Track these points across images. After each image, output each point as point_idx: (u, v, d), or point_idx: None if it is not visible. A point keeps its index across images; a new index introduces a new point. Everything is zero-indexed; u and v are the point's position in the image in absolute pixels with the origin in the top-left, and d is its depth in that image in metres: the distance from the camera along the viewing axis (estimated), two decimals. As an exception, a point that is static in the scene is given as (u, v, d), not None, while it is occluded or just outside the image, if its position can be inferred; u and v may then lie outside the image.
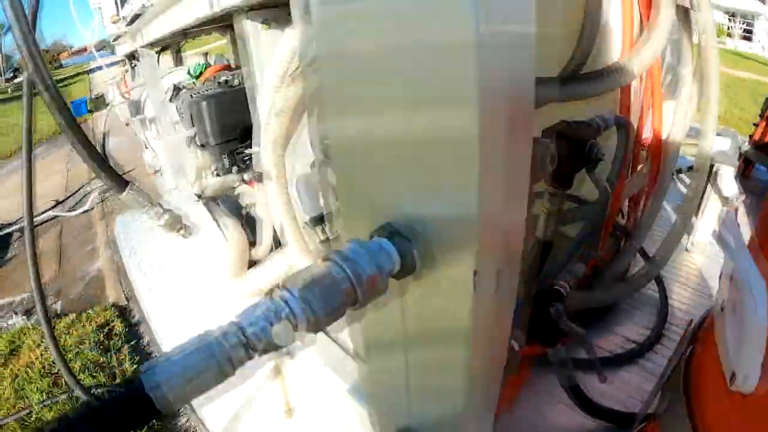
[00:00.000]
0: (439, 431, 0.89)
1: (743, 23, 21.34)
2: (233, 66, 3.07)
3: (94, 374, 3.43)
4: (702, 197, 1.66)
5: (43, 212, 6.86)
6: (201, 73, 2.99)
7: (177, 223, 1.93)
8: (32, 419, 3.07)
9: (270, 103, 1.39)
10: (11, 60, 33.55)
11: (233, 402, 1.89)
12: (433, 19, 0.51)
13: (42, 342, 3.84)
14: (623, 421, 1.31)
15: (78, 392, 2.78)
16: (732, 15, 21.24)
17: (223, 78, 2.47)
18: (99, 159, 1.73)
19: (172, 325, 2.01)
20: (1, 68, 30.24)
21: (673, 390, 1.04)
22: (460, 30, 0.49)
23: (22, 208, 1.90)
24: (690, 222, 1.65)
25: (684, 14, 1.41)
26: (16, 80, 30.37)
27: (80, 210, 6.74)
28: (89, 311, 4.24)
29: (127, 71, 4.35)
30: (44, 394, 3.27)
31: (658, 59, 1.34)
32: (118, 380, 3.35)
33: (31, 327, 4.11)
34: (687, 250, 1.83)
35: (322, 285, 0.59)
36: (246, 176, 2.17)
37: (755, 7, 20.58)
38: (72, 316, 4.18)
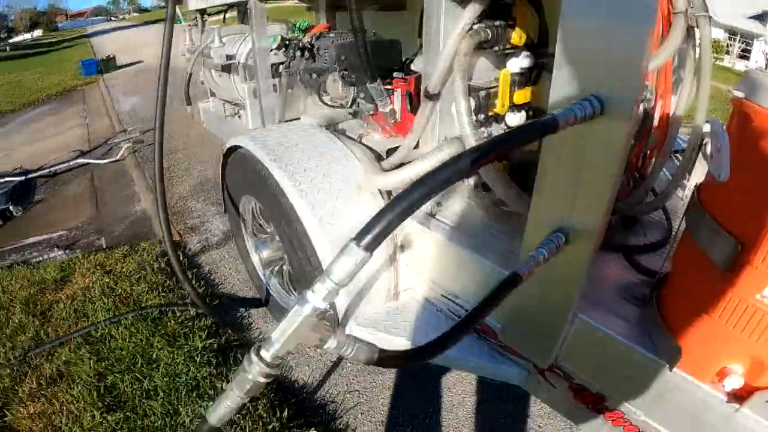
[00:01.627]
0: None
1: (742, 42, 23.06)
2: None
3: (163, 294, 3.54)
4: (694, 160, 2.09)
5: (70, 160, 6.99)
6: (306, 29, 3.24)
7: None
8: (98, 334, 3.18)
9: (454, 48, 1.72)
10: (6, 20, 33.66)
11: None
12: None
13: (96, 269, 3.96)
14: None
15: (195, 299, 2.99)
16: (733, 33, 23.11)
17: (332, 34, 2.80)
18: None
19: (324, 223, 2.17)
20: None
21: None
22: None
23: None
24: (686, 173, 2.12)
25: (688, 30, 1.85)
26: (10, 40, 30.49)
27: (111, 159, 6.87)
28: (142, 243, 4.35)
29: (191, 26, 4.53)
30: (110, 312, 3.38)
31: (669, 61, 1.84)
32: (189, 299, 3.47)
33: (80, 256, 4.21)
34: (682, 200, 2.28)
35: None
36: (380, 106, 2.39)
37: (756, 28, 22.22)
38: (125, 248, 4.29)
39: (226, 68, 3.85)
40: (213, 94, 4.57)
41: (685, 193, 2.25)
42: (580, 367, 1.66)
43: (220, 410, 1.20)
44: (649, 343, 1.43)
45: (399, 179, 2.12)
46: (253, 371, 1.07)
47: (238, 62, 3.60)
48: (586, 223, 1.31)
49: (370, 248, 0.91)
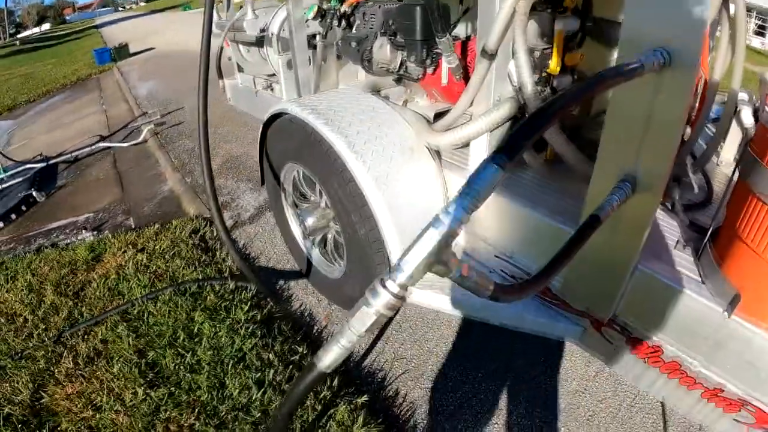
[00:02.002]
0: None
1: (759, 19, 22.92)
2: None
3: (200, 269, 3.45)
4: (729, 124, 2.14)
5: (91, 145, 6.95)
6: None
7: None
8: (135, 311, 3.11)
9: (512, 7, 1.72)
10: (13, 15, 34.11)
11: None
12: None
13: (128, 248, 3.89)
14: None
15: (241, 267, 2.95)
16: (749, 10, 22.54)
17: (371, 2, 2.77)
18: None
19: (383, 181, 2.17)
20: (5, 24, 30.63)
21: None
22: None
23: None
24: (721, 138, 2.20)
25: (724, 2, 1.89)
26: (19, 35, 30.97)
27: (133, 141, 6.81)
28: (173, 221, 4.28)
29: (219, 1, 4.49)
30: (146, 288, 3.31)
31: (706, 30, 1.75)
32: (227, 273, 3.38)
33: (110, 237, 4.15)
34: (717, 165, 2.31)
35: None
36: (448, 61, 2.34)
37: (773, 5, 21.68)
38: (156, 226, 4.21)
39: (258, 42, 3.83)
40: (241, 70, 4.50)
41: (719, 159, 2.32)
42: (639, 319, 1.70)
43: (332, 352, 1.07)
44: (707, 292, 1.49)
45: (457, 137, 2.08)
46: (378, 303, 0.96)
47: (272, 34, 3.54)
48: (653, 172, 1.37)
49: (507, 163, 0.91)
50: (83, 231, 4.61)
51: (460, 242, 2.36)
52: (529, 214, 1.94)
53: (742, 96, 2.16)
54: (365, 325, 1.00)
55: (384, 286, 0.95)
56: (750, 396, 1.51)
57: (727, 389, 1.56)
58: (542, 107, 0.96)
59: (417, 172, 2.25)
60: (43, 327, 3.16)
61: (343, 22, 3.01)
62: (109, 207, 5.09)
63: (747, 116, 2.13)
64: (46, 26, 39.13)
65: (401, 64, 2.58)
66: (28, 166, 6.39)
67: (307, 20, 3.16)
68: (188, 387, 2.52)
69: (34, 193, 5.63)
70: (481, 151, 2.15)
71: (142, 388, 2.53)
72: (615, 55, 1.88)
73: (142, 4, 56.94)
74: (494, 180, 0.89)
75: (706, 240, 1.61)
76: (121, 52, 15.13)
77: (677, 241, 1.74)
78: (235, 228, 4.22)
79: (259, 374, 2.51)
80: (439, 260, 0.91)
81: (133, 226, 4.52)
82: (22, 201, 5.54)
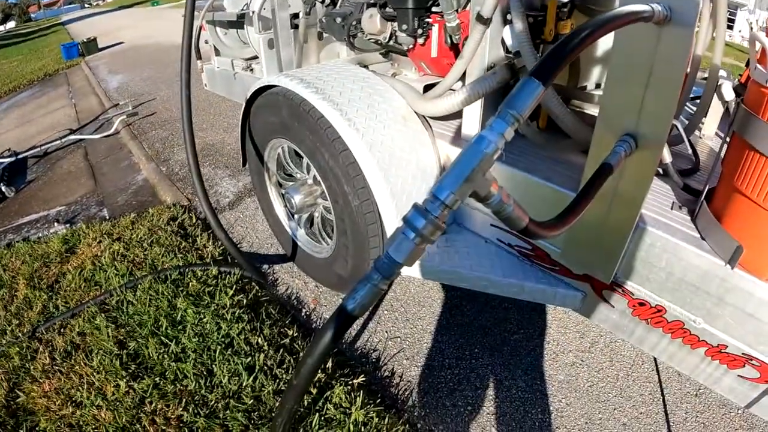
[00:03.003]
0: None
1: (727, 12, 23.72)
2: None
3: (180, 256, 3.31)
4: (711, 97, 2.17)
5: (61, 138, 6.69)
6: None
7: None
8: (114, 302, 2.96)
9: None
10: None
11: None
12: None
13: (103, 238, 3.72)
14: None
15: (231, 251, 2.94)
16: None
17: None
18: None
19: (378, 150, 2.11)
20: None
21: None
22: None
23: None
24: (704, 111, 2.22)
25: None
26: (6, 25, 30.42)
27: (105, 133, 6.57)
28: (150, 209, 4.11)
29: None
30: (124, 278, 3.15)
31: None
32: (209, 259, 3.24)
33: (84, 228, 3.97)
34: (700, 137, 2.37)
35: None
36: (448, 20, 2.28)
37: (739, -2, 22.72)
38: (132, 215, 4.04)
39: (237, 22, 3.73)
40: (218, 54, 4.34)
41: (702, 133, 2.37)
42: (641, 279, 1.68)
43: (364, 294, 1.00)
44: (708, 247, 1.50)
45: (452, 103, 2.03)
46: (420, 226, 0.88)
47: (253, 12, 3.41)
48: (655, 128, 1.37)
49: (548, 80, 0.90)
50: (55, 224, 4.42)
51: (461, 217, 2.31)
52: (526, 179, 1.90)
53: (722, 72, 2.20)
54: (403, 255, 0.91)
55: (425, 210, 0.88)
56: (754, 350, 1.51)
57: (731, 345, 1.55)
58: (574, 31, 0.97)
59: (411, 140, 2.18)
60: (17, 323, 3.01)
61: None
62: (81, 199, 4.89)
63: (728, 91, 2.17)
64: (11, 24, 38.18)
65: (391, 35, 2.55)
66: (-5, 162, 6.13)
67: (288, -2, 3.08)
68: (174, 377, 2.41)
69: (2, 188, 5.38)
70: (474, 118, 2.10)
71: (125, 380, 2.41)
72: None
73: (109, 0, 55.68)
74: (536, 95, 0.88)
75: (701, 198, 1.62)
76: (90, 46, 14.66)
77: (672, 203, 1.74)
78: (225, 214, 4.08)
79: (249, 359, 2.40)
80: (481, 181, 0.85)
81: (107, 217, 4.32)
82: None
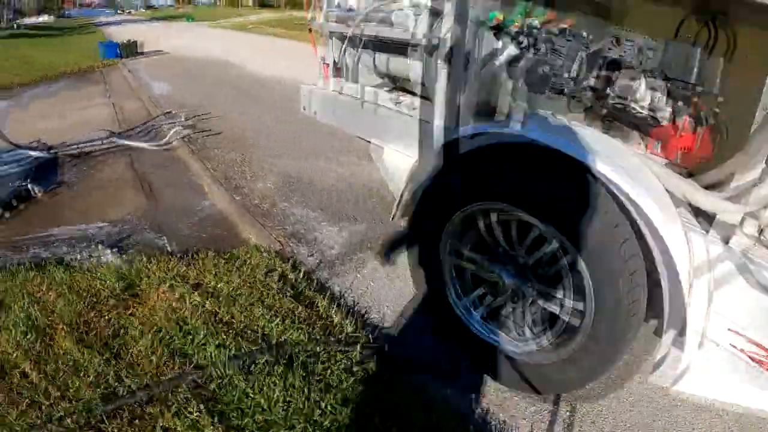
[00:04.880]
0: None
1: None
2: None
3: (300, 326, 2.40)
4: None
5: (102, 139, 5.86)
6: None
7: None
8: (215, 385, 2.04)
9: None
10: (13, 1, 34.46)
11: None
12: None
13: (175, 281, 2.82)
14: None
15: None
16: None
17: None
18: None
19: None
20: (5, 7, 30.32)
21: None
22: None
23: None
24: None
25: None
26: (19, 21, 31.24)
27: (158, 143, 5.73)
28: (233, 252, 3.21)
29: None
30: (221, 349, 2.23)
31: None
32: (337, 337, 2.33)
33: (146, 260, 3.07)
34: None
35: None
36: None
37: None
38: (210, 254, 3.15)
39: (402, 44, 3.00)
40: (338, 75, 3.56)
41: None
42: None
43: None
44: None
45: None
46: None
47: (436, 40, 2.70)
48: None
49: None
50: (100, 246, 3.51)
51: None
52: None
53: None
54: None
55: None
56: None
57: None
58: None
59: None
60: (57, 395, 2.07)
61: (536, 43, 2.45)
62: (130, 218, 4.02)
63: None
64: (45, 17, 38.75)
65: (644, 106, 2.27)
66: (26, 152, 5.27)
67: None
68: None
69: (30, 186, 4.51)
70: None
71: None
72: None
73: (143, 10, 57.33)
74: None
75: None
76: (129, 48, 14.12)
77: None
78: (321, 271, 3.20)
79: None
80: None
81: (169, 249, 3.43)
82: (15, 194, 4.43)
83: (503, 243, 2.17)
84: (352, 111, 3.46)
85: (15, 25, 27.53)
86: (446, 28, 2.68)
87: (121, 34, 23.89)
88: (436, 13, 2.80)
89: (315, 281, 3.03)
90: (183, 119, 6.53)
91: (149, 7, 65.31)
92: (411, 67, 2.96)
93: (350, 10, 3.46)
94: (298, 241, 3.54)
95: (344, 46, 3.45)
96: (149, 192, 4.52)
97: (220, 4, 70.78)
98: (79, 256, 3.41)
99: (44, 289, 2.85)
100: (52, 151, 5.42)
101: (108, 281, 2.87)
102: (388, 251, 3.38)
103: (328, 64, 3.66)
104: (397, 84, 3.39)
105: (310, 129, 5.77)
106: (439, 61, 2.78)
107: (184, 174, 4.95)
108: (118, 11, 56.32)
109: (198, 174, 4.89)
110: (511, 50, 2.49)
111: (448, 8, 2.62)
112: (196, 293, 2.68)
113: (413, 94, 3.09)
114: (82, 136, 6.16)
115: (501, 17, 2.47)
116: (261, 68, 11.21)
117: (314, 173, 4.79)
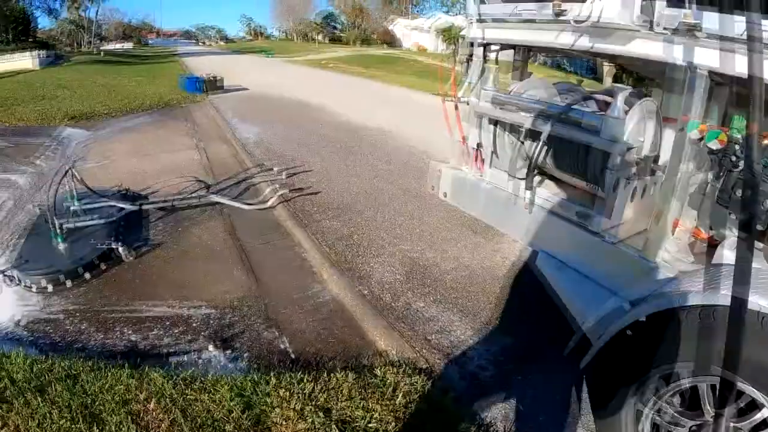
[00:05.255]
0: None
1: None
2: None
3: None
4: None
5: (195, 194, 5.67)
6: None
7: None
8: None
9: None
10: (100, 27, 37.81)
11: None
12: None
13: (312, 413, 2.37)
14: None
15: None
16: None
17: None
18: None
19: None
20: (92, 33, 33.58)
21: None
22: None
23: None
24: None
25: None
26: (103, 47, 33.79)
27: (258, 205, 5.45)
28: (375, 372, 2.75)
29: (464, 62, 3.44)
30: None
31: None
32: None
33: (274, 380, 2.65)
34: None
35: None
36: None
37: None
38: (347, 375, 2.69)
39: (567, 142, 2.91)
40: (475, 161, 3.52)
41: None
42: None
43: None
44: None
45: None
46: None
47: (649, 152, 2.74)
48: None
49: None
50: (210, 347, 3.15)
51: None
52: None
53: None
54: None
55: None
56: None
57: None
58: None
59: None
60: None
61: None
62: (238, 304, 3.64)
63: None
64: (128, 45, 42.08)
65: None
66: (109, 202, 5.10)
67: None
68: None
69: (119, 249, 4.25)
70: None
71: None
72: None
73: (221, 43, 61.29)
74: None
75: None
76: (212, 84, 14.50)
77: None
78: (481, 401, 2.70)
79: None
80: None
81: (291, 354, 3.02)
82: (100, 254, 4.23)
83: (709, 406, 1.95)
84: (503, 206, 3.36)
85: (97, 50, 29.78)
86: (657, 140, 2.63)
87: (200, 65, 25.11)
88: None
89: (470, 412, 2.60)
90: (283, 176, 6.28)
91: (225, 39, 69.63)
92: (599, 181, 2.80)
93: (511, 93, 3.20)
94: (443, 356, 3.06)
95: (496, 130, 3.19)
96: (251, 268, 4.18)
97: (294, 38, 74.02)
98: (184, 358, 3.05)
99: (143, 400, 2.48)
100: (138, 203, 5.21)
101: (224, 401, 2.46)
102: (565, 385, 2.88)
103: (475, 149, 3.50)
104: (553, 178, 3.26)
105: (433, 205, 5.42)
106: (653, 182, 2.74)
107: (288, 245, 4.63)
108: (200, 43, 60.62)
109: (304, 247, 4.55)
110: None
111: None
112: (333, 425, 2.22)
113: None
114: (169, 182, 6.06)
115: (724, 138, 2.26)
116: (354, 114, 11.17)
117: (445, 262, 4.32)
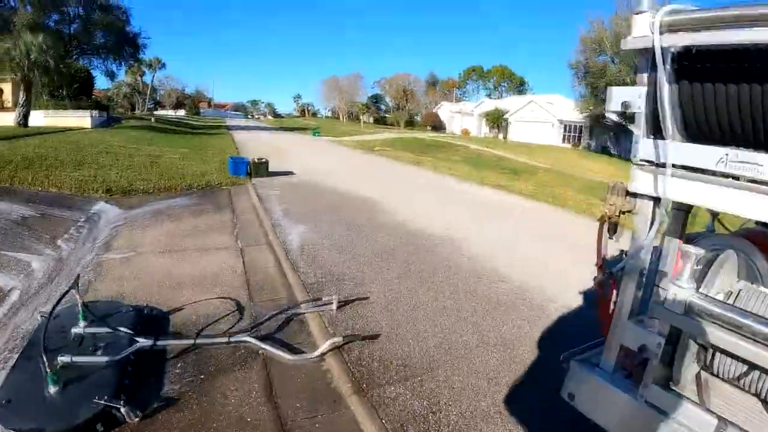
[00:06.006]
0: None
1: None
2: None
3: None
4: None
5: (230, 336, 4.63)
6: None
7: None
8: None
9: None
10: (156, 93, 39.78)
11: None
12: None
13: None
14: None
15: None
16: None
17: None
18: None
19: None
20: (147, 97, 35.81)
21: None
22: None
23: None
24: None
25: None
26: (155, 112, 35.49)
27: (305, 356, 4.30)
28: None
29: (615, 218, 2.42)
30: None
31: None
32: None
33: None
34: None
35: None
36: None
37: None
38: None
39: None
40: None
41: None
42: None
43: None
44: None
45: None
46: None
47: None
48: None
49: None
50: None
51: None
52: None
53: None
54: None
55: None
56: None
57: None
58: None
59: None
60: None
61: None
62: None
63: None
64: (181, 112, 43.87)
65: None
66: (118, 329, 4.13)
67: None
68: None
69: (121, 408, 3.21)
70: None
71: None
72: None
73: (270, 117, 63.87)
74: None
75: None
76: (260, 168, 13.93)
77: None
78: None
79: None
80: None
81: None
82: (99, 415, 3.22)
83: None
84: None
85: (152, 119, 31.23)
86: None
87: (248, 143, 25.15)
88: None
89: None
90: (333, 306, 5.20)
91: (275, 114, 71.73)
92: None
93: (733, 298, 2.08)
94: None
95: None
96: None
97: (340, 117, 75.69)
98: None
99: None
100: (153, 338, 4.16)
101: None
102: None
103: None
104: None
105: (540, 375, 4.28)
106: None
107: (344, 422, 3.48)
108: (249, 116, 62.94)
109: (365, 425, 3.40)
110: None
111: None
112: None
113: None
114: (199, 301, 5.05)
115: None
116: (412, 213, 10.27)
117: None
